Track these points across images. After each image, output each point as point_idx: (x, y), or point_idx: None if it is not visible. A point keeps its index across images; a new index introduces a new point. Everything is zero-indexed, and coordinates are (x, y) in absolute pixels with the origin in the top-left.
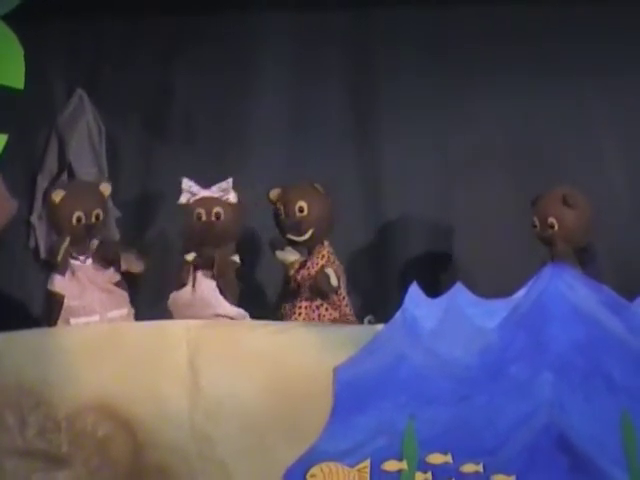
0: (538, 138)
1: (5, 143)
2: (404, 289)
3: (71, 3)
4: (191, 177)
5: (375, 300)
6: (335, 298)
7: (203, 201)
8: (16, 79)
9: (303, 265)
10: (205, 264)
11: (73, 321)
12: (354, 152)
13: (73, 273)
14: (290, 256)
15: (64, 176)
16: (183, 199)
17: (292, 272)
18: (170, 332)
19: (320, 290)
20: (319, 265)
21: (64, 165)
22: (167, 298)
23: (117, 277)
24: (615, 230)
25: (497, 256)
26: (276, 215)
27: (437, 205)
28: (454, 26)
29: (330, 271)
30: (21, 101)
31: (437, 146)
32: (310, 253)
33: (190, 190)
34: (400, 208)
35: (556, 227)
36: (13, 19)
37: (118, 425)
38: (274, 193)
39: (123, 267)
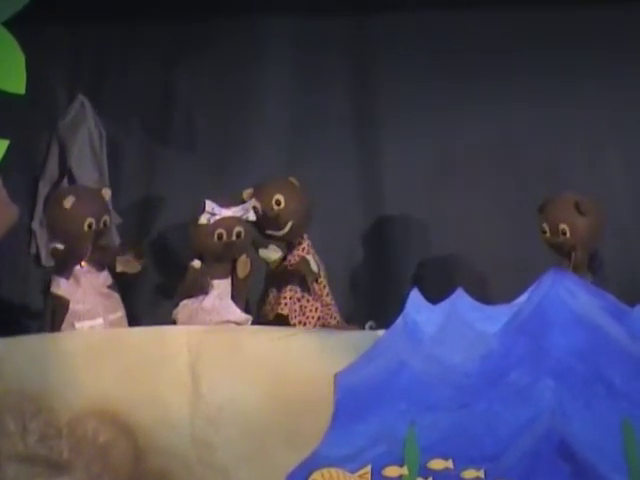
0: (539, 141)
1: (6, 149)
2: (405, 294)
3: (73, 9)
4: (192, 182)
5: (375, 305)
6: (316, 287)
7: (224, 221)
8: (17, 85)
9: (284, 260)
10: (217, 272)
11: (78, 325)
12: (355, 156)
13: (75, 277)
14: (273, 254)
15: (65, 182)
16: (203, 220)
17: (274, 268)
18: (171, 338)
19: (300, 275)
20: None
21: (65, 171)
22: (167, 304)
23: (110, 280)
24: (616, 235)
25: (498, 261)
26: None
27: (437, 209)
28: (454, 30)
29: (310, 257)
30: (22, 107)
31: (437, 149)
32: (290, 247)
33: (212, 211)
34: (400, 211)
35: (568, 234)
36: (15, 25)
37: (119, 431)
38: (248, 192)
39: (119, 268)
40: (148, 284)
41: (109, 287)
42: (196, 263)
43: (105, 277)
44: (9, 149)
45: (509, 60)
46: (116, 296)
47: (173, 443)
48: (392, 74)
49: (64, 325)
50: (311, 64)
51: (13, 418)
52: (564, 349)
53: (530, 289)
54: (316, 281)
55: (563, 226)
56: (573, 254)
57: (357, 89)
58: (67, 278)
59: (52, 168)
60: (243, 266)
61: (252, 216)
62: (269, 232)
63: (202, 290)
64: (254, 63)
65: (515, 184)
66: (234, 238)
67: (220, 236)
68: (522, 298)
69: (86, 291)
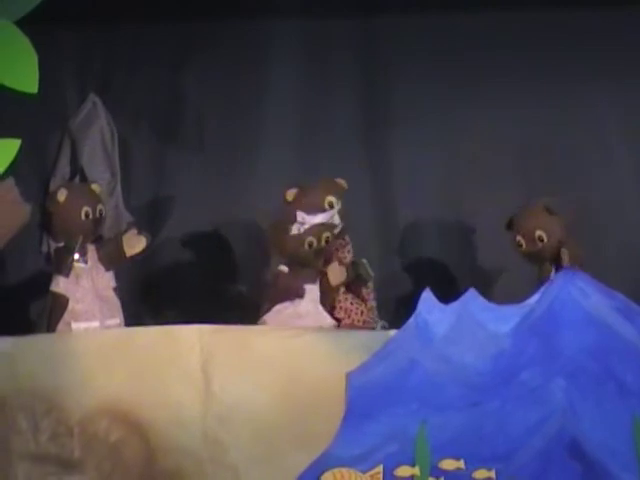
0: (548, 140)
1: (18, 148)
2: (417, 294)
3: (84, 8)
4: (203, 181)
5: (387, 304)
6: (364, 291)
7: (314, 229)
8: (29, 84)
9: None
10: (308, 277)
11: (74, 325)
12: (365, 156)
13: (77, 276)
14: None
15: (76, 181)
16: (295, 230)
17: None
18: (183, 337)
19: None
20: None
21: (77, 170)
22: (179, 302)
23: (114, 283)
24: (625, 234)
25: (510, 261)
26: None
27: (449, 209)
28: (464, 32)
29: (365, 260)
30: (34, 106)
31: (448, 150)
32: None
33: (302, 221)
34: (412, 212)
35: (545, 239)
36: (27, 24)
37: (130, 430)
38: (292, 193)
39: (128, 251)
40: (159, 282)
41: (114, 289)
42: (284, 268)
43: (109, 278)
44: (21, 148)
45: (520, 62)
46: (117, 302)
47: (184, 442)
48: (402, 76)
49: (60, 324)
50: (320, 66)
51: (25, 417)
52: (575, 349)
53: (542, 289)
54: (366, 284)
55: (539, 232)
56: (563, 250)
57: (366, 90)
58: (67, 276)
59: (64, 167)
60: (337, 273)
61: (338, 220)
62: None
63: (296, 295)
64: (264, 64)
65: (526, 185)
66: (323, 244)
67: (311, 244)
68: (534, 298)
69: (86, 291)
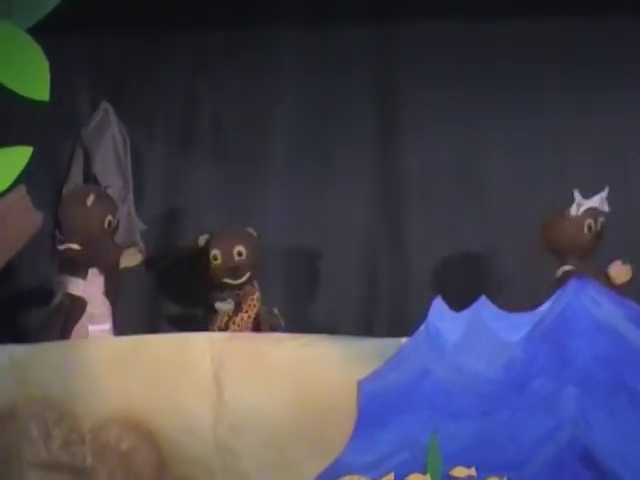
0: (557, 148)
1: (31, 155)
2: (426, 302)
3: (96, 16)
4: (216, 188)
5: (398, 313)
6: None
7: (591, 212)
8: (41, 91)
9: (238, 309)
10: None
11: (91, 328)
12: (376, 164)
13: (90, 280)
14: (228, 306)
15: None
16: (573, 211)
17: (225, 319)
18: (194, 345)
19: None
20: (255, 308)
21: (89, 178)
22: (191, 311)
23: (103, 287)
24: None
25: (521, 269)
26: (205, 260)
27: (459, 217)
28: (473, 40)
29: (276, 310)
30: (46, 113)
31: (457, 158)
32: (242, 295)
33: (580, 202)
34: (422, 220)
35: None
36: (39, 31)
37: (142, 438)
38: (203, 239)
39: (123, 264)
40: (172, 290)
41: (105, 293)
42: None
43: (102, 282)
44: (33, 156)
45: (536, 69)
46: (109, 305)
47: (196, 450)
48: (411, 84)
49: (76, 327)
50: (335, 73)
51: (36, 425)
52: (587, 357)
53: (553, 297)
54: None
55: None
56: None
57: (381, 99)
58: (84, 279)
59: (76, 175)
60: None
61: (606, 207)
62: (227, 280)
63: None
64: (279, 72)
65: (535, 190)
66: (599, 228)
67: (589, 227)
68: (545, 306)
69: (98, 293)
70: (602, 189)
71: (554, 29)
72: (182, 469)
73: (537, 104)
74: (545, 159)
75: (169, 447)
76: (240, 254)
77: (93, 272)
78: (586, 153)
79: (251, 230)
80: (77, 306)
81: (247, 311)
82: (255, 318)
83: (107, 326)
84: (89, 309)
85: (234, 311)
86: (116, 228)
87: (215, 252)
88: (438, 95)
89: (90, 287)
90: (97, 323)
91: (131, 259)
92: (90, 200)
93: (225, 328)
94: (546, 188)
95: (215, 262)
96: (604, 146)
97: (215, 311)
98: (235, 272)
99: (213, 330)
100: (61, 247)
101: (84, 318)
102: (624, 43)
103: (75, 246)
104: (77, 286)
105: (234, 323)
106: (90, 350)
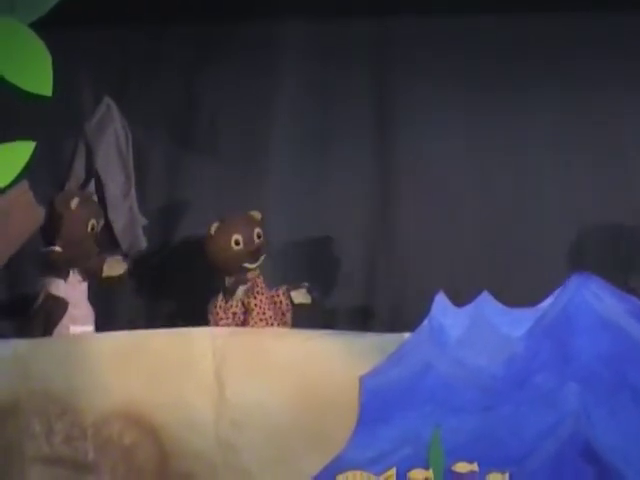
0: (560, 150)
1: (33, 150)
2: (426, 299)
3: (99, 12)
4: (217, 184)
5: (399, 308)
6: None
7: None
8: (44, 86)
9: (250, 293)
10: None
11: (72, 328)
12: (373, 161)
13: (71, 282)
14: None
15: (91, 184)
16: None
17: (239, 304)
18: (196, 340)
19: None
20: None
21: (91, 173)
22: (195, 305)
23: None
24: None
25: (524, 264)
26: (223, 247)
27: (459, 214)
28: (471, 37)
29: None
30: (49, 109)
31: (455, 156)
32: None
33: None
34: (421, 217)
35: None
36: (41, 27)
37: (144, 433)
38: (214, 227)
39: (106, 272)
40: (173, 285)
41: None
42: None
43: (85, 288)
44: (35, 151)
45: (537, 66)
46: (92, 310)
47: (198, 446)
48: (410, 81)
49: (58, 327)
50: (334, 69)
51: (39, 419)
52: (589, 353)
53: (555, 292)
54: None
55: None
56: None
57: (380, 95)
58: (65, 281)
59: (78, 170)
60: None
61: None
62: (247, 265)
63: None
64: (278, 68)
65: (533, 188)
66: None
67: None
68: (547, 301)
69: (81, 296)
70: (602, 189)
71: (555, 27)
72: (184, 464)
73: (537, 102)
74: (544, 158)
75: (171, 442)
76: (259, 236)
77: (75, 276)
78: (586, 153)
79: (255, 212)
80: (58, 306)
81: (262, 293)
82: (285, 295)
83: (89, 328)
84: (71, 310)
85: (246, 295)
86: (97, 234)
87: (237, 237)
88: (437, 93)
89: (72, 289)
90: (79, 324)
91: (115, 268)
92: (74, 204)
93: (244, 312)
94: (545, 187)
95: (237, 247)
96: (604, 146)
97: (222, 299)
98: (256, 255)
99: (227, 317)
100: (43, 249)
101: (66, 319)
102: (625, 42)
103: (57, 248)
104: (58, 287)
105: (256, 306)
106: (92, 345)
